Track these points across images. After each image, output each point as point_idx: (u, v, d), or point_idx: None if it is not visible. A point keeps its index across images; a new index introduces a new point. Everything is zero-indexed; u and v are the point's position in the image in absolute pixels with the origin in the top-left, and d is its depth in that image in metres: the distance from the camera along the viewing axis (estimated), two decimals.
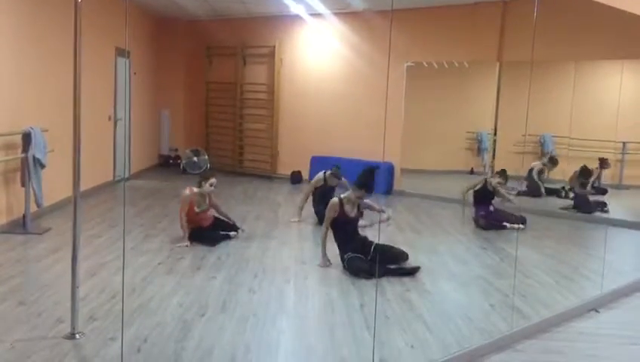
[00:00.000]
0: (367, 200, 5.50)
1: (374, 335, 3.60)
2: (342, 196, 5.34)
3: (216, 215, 6.18)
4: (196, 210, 5.88)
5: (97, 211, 7.20)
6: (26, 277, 4.72)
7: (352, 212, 5.32)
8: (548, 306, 4.45)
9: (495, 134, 9.27)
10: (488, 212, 7.15)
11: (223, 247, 5.78)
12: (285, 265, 5.30)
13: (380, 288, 4.66)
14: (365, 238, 5.38)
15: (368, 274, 4.87)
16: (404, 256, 5.42)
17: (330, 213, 5.26)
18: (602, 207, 8.15)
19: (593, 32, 7.92)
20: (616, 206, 8.21)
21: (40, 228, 6.13)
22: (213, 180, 5.93)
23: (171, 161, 11.68)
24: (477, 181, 7.43)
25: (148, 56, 10.97)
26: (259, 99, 11.14)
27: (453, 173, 9.96)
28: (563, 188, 8.83)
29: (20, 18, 6.33)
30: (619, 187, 8.62)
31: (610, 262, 5.56)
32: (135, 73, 10.14)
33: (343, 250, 5.25)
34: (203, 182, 5.90)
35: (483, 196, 7.20)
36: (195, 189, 5.91)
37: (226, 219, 6.22)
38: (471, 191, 7.38)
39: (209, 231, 5.95)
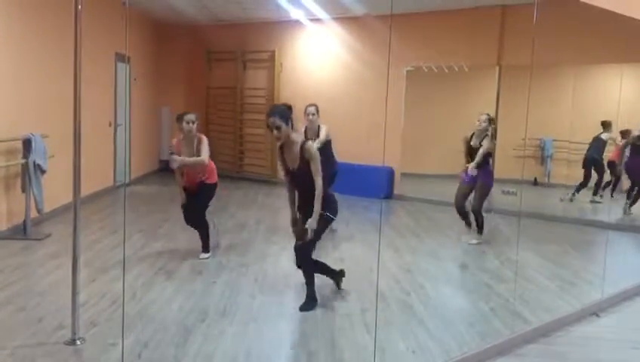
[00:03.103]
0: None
1: (375, 340, 3.60)
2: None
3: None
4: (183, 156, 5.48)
5: (98, 217, 7.20)
6: (27, 283, 4.71)
7: (293, 162, 4.36)
8: (549, 310, 4.45)
9: (495, 138, 9.27)
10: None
11: (224, 252, 5.78)
12: (286, 270, 5.30)
13: (381, 293, 4.65)
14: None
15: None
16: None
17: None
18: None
19: (593, 36, 7.93)
20: (616, 209, 8.21)
21: (40, 234, 6.13)
22: (189, 116, 5.46)
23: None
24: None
25: (148, 62, 10.98)
26: (259, 103, 11.15)
27: (453, 177, 9.92)
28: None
29: (21, 24, 6.34)
30: (619, 190, 8.62)
31: (611, 266, 5.55)
32: (135, 79, 10.15)
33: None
34: (179, 123, 5.50)
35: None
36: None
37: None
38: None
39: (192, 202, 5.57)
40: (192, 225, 5.64)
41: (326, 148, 6.29)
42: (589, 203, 8.60)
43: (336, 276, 4.77)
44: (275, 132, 4.24)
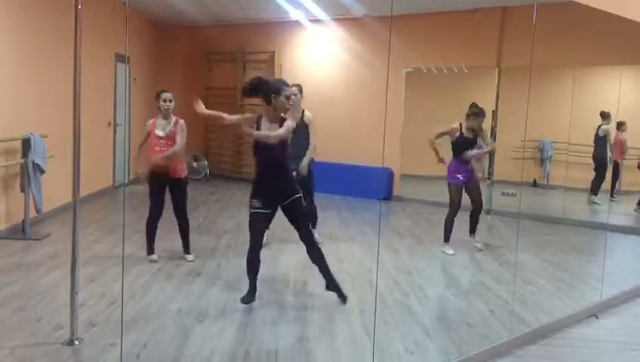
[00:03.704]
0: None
1: (374, 341, 3.60)
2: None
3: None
4: (158, 133, 5.33)
5: (97, 217, 7.19)
6: (26, 282, 4.70)
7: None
8: (548, 312, 4.45)
9: (494, 140, 9.28)
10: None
11: (223, 253, 5.78)
12: (284, 271, 5.30)
13: (380, 294, 4.65)
14: (290, 183, 4.46)
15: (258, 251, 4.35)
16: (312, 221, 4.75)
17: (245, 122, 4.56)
18: None
19: (592, 38, 7.94)
20: (615, 211, 8.21)
21: (39, 234, 6.12)
22: (166, 94, 5.33)
23: None
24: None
25: (148, 62, 10.98)
26: (258, 104, 11.10)
27: None
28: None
29: (20, 24, 6.34)
30: (617, 192, 8.63)
31: (610, 268, 5.55)
32: (135, 79, 10.15)
33: (253, 188, 4.41)
34: (156, 101, 5.38)
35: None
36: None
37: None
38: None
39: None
40: (155, 227, 5.54)
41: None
42: (588, 204, 8.62)
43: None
44: (292, 98, 4.46)
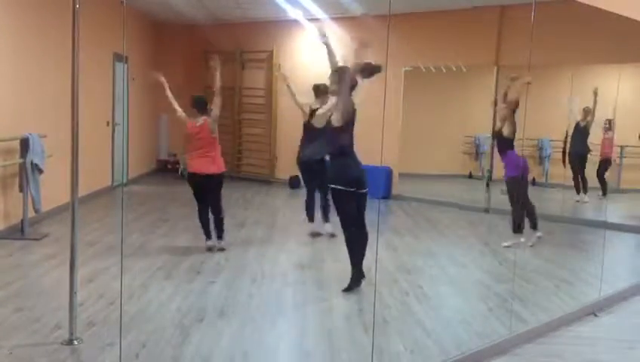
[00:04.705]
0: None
1: (373, 340, 3.59)
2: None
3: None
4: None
5: (95, 216, 7.18)
6: (24, 282, 4.70)
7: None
8: (547, 310, 4.45)
9: (493, 138, 9.27)
10: None
11: (222, 252, 5.77)
12: (284, 270, 5.30)
13: (379, 292, 4.65)
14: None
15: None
16: None
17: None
18: None
19: (590, 36, 7.94)
20: (614, 209, 8.22)
21: (38, 234, 6.11)
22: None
23: (169, 166, 11.64)
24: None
25: (146, 61, 10.95)
26: (257, 103, 11.14)
27: (451, 177, 9.97)
28: None
29: (19, 23, 6.33)
30: (617, 191, 8.63)
31: (609, 266, 5.55)
32: (133, 78, 10.14)
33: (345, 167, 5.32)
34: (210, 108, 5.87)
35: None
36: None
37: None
38: None
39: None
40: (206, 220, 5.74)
41: None
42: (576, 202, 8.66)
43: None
44: None
